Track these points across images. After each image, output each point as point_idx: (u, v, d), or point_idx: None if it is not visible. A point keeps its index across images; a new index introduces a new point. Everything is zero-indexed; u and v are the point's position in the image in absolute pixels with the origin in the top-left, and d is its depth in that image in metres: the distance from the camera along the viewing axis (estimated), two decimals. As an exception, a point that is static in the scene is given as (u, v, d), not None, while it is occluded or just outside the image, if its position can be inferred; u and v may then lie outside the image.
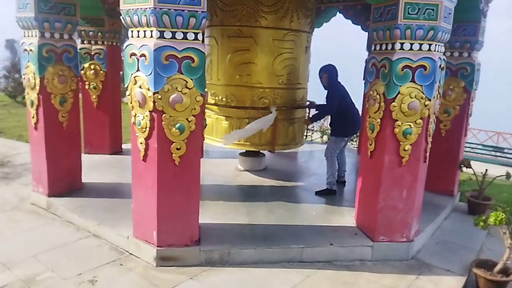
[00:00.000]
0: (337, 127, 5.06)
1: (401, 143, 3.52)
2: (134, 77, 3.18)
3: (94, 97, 6.25)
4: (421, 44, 3.38)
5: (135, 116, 3.29)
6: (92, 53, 6.09)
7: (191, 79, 3.13)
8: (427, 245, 4.08)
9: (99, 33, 6.04)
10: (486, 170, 5.07)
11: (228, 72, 5.18)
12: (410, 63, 3.37)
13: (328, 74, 5.01)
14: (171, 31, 3.03)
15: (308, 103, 5.82)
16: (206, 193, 4.79)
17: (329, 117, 5.31)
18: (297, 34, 5.24)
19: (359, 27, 6.87)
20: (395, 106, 3.43)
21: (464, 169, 5.19)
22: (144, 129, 3.22)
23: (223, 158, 6.41)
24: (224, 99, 5.24)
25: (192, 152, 3.29)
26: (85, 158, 6.03)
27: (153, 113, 3.15)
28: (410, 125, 3.49)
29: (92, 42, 6.09)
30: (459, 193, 5.49)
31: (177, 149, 3.22)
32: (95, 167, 5.72)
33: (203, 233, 3.63)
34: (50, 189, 4.52)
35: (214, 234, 3.70)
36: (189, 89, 3.13)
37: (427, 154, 3.73)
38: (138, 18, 3.06)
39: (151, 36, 3.05)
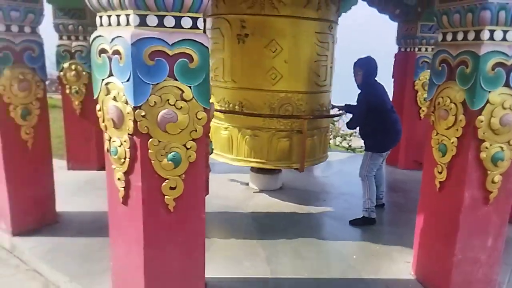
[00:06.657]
0: (374, 139, 4.01)
1: (488, 172, 2.49)
2: (106, 85, 2.15)
3: (76, 103, 5.24)
4: (518, 32, 2.35)
5: (109, 141, 2.28)
6: (73, 51, 5.08)
7: (189, 87, 2.11)
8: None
9: (80, 27, 5.03)
10: None
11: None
12: (505, 60, 2.34)
13: (364, 70, 3.96)
14: (156, 15, 2.00)
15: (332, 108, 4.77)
16: (212, 225, 3.81)
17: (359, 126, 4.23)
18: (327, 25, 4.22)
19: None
20: (482, 121, 2.40)
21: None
22: (122, 160, 2.21)
23: (231, 173, 5.38)
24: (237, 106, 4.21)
25: (192, 192, 2.27)
26: (67, 176, 5.18)
27: (134, 138, 2.13)
28: (501, 148, 2.46)
29: (72, 37, 5.09)
30: None
31: (171, 188, 2.21)
32: (77, 189, 4.73)
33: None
34: (15, 226, 3.53)
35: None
36: (187, 101, 2.11)
37: (519, 184, 2.70)
38: (109, -4, 2.04)
39: (127, 24, 2.02)
